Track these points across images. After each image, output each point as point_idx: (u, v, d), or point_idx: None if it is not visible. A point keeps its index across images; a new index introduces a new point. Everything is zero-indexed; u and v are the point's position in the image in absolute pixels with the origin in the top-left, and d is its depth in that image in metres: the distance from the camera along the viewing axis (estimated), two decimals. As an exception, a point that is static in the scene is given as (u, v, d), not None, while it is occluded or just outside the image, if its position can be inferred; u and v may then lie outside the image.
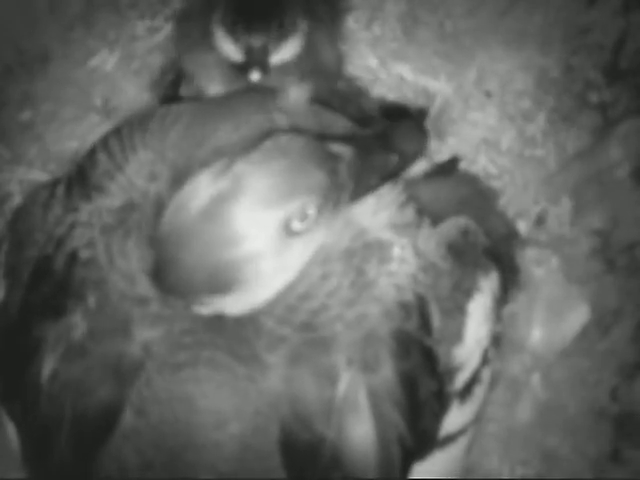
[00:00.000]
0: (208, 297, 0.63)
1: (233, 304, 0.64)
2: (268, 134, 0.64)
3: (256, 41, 0.77)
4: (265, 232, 0.61)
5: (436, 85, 1.02)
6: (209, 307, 0.64)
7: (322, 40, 0.88)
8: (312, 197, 0.62)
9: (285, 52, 0.80)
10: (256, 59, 0.77)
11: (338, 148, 0.64)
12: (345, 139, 0.67)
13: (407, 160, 0.69)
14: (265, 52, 0.78)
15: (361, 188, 0.67)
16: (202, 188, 0.61)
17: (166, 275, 0.62)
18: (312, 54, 0.85)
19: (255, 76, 0.77)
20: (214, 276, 0.61)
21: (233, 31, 0.78)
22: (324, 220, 0.64)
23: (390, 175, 0.68)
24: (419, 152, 0.69)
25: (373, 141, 0.68)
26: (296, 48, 0.81)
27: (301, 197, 0.61)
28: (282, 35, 0.79)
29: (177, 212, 0.61)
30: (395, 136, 0.68)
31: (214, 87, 0.83)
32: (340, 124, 0.76)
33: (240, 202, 0.60)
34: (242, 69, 0.78)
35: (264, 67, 0.78)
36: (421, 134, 0.71)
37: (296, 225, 0.62)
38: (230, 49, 0.79)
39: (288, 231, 0.62)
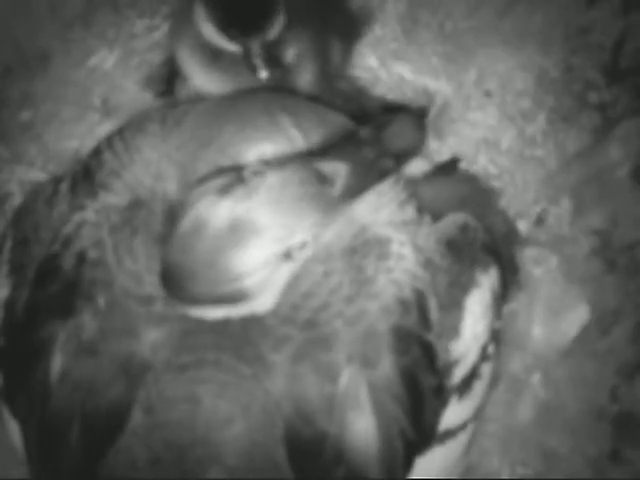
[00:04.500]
0: (212, 308, 0.65)
1: (244, 310, 0.66)
2: (261, 172, 0.64)
3: (255, 42, 0.76)
4: (266, 265, 0.63)
5: (436, 85, 1.02)
6: (212, 314, 0.66)
7: (334, 36, 0.88)
8: (310, 231, 0.64)
9: (274, 31, 0.78)
10: (259, 59, 0.76)
11: (332, 167, 0.65)
12: (340, 151, 0.68)
13: (403, 157, 0.70)
14: (266, 50, 0.76)
15: (358, 193, 0.67)
16: (203, 228, 0.63)
17: (176, 296, 0.64)
18: (321, 56, 0.85)
19: (264, 75, 0.76)
20: (222, 299, 0.64)
21: (226, 31, 0.77)
22: (321, 235, 0.67)
23: (386, 174, 0.69)
24: (415, 147, 0.70)
25: (368, 145, 0.68)
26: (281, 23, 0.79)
27: (301, 234, 0.64)
28: (274, 24, 0.76)
29: (181, 251, 0.63)
30: (390, 133, 0.69)
31: (210, 85, 0.83)
32: (340, 123, 0.76)
33: (240, 244, 0.62)
34: (248, 69, 0.77)
35: (270, 63, 0.76)
36: (417, 128, 0.72)
37: (295, 253, 0.65)
38: (224, 44, 0.78)
39: (288, 258, 0.64)
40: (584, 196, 0.97)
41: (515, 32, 1.02)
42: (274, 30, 0.77)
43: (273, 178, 0.64)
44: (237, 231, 0.62)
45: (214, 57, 0.81)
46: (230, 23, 0.76)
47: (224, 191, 0.64)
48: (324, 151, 0.69)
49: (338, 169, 0.65)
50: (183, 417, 0.66)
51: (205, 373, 0.66)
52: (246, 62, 0.77)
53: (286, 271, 0.66)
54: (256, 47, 0.76)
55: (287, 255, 0.64)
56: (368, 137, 0.69)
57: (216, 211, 0.63)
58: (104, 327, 0.68)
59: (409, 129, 0.71)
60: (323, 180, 0.65)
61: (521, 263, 0.95)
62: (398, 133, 0.69)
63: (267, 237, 0.62)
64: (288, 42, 0.82)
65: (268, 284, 0.65)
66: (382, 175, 0.68)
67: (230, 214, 0.63)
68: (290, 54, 0.83)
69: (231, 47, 0.77)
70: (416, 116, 0.91)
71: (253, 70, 0.76)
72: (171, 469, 0.66)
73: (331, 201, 0.64)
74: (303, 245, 0.64)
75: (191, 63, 0.84)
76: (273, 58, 0.77)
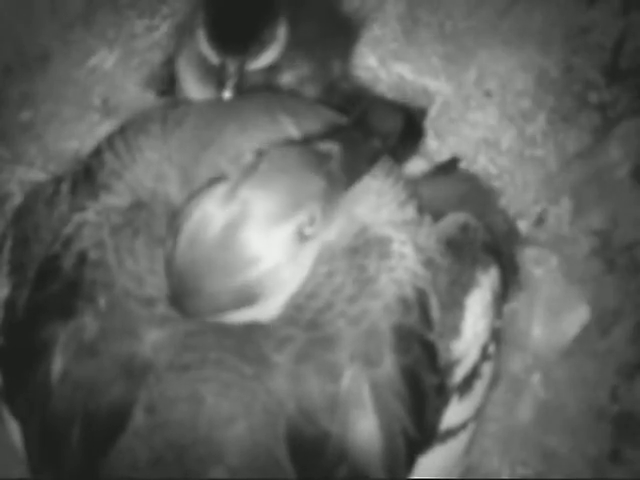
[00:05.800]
0: (232, 313, 0.64)
1: (256, 313, 0.65)
2: (260, 154, 0.64)
3: (231, 62, 0.77)
4: (281, 246, 0.62)
5: (436, 85, 1.02)
6: (234, 319, 0.65)
7: (334, 58, 0.89)
8: (316, 202, 0.63)
9: (261, 62, 0.80)
10: (229, 79, 0.77)
11: (326, 146, 0.65)
12: (330, 134, 0.68)
13: (387, 140, 0.69)
14: (240, 73, 0.77)
15: (353, 178, 0.67)
16: (212, 218, 0.62)
17: (189, 304, 0.63)
18: (323, 70, 0.86)
19: (227, 95, 0.77)
20: (237, 295, 0.63)
21: (211, 41, 0.78)
22: (327, 217, 0.65)
23: (375, 159, 0.69)
24: (397, 130, 0.69)
25: (355, 129, 0.68)
26: (274, 55, 0.81)
27: (307, 206, 0.62)
28: (258, 52, 0.79)
29: (191, 244, 0.62)
30: (371, 118, 0.69)
31: (194, 91, 0.84)
32: (334, 119, 0.77)
33: (252, 225, 0.61)
34: (217, 82, 0.78)
35: (237, 88, 0.77)
36: (395, 112, 0.72)
37: (307, 230, 0.63)
38: (208, 53, 0.79)
39: (301, 238, 0.63)
40: (584, 196, 0.97)
41: (515, 32, 1.02)
42: (258, 59, 0.79)
43: (271, 159, 0.63)
44: (234, 222, 0.61)
45: (207, 71, 0.81)
46: (219, 36, 0.77)
47: (222, 179, 0.63)
48: (314, 137, 0.69)
49: (331, 148, 0.65)
50: (185, 416, 0.66)
51: (207, 372, 0.66)
52: (217, 76, 0.78)
53: (308, 254, 0.65)
54: (232, 66, 0.77)
55: (300, 234, 0.63)
56: (352, 123, 0.69)
57: (209, 208, 0.62)
58: (105, 328, 0.68)
59: (387, 115, 0.71)
60: (321, 156, 0.64)
61: (521, 263, 0.95)
62: (379, 118, 0.69)
63: (267, 219, 0.61)
64: (291, 66, 0.83)
65: (291, 272, 0.64)
66: (373, 155, 0.68)
67: (224, 206, 0.62)
68: (293, 77, 0.84)
69: (214, 59, 0.78)
70: (392, 102, 0.92)
71: (220, 86, 0.77)
72: (173, 469, 0.66)
73: (331, 174, 0.64)
74: (312, 220, 0.63)
75: (186, 73, 0.85)
76: (241, 84, 0.78)
